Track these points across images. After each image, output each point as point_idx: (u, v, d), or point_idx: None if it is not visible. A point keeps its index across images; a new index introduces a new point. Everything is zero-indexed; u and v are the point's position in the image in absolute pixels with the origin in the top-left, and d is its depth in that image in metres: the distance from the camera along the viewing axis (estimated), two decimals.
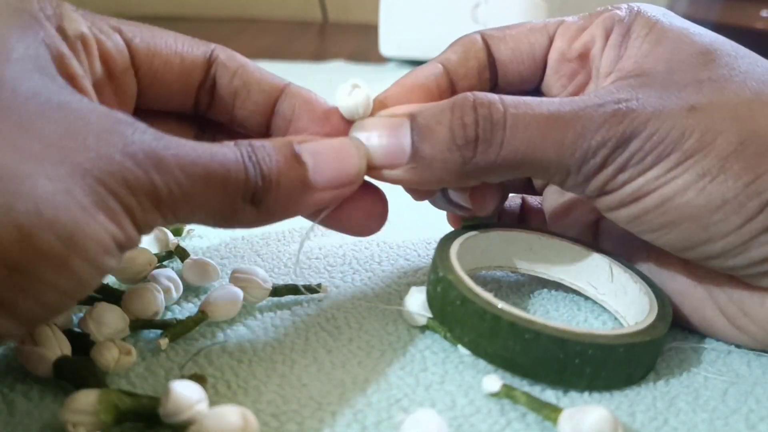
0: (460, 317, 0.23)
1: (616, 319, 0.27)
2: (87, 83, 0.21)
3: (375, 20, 0.82)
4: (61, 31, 0.21)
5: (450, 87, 0.26)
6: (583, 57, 0.26)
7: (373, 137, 0.23)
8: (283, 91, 0.25)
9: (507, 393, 0.21)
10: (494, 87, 0.27)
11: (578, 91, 0.26)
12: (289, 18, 1.32)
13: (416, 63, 0.90)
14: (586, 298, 0.28)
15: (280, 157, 0.21)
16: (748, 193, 0.21)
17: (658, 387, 0.23)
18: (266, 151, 0.21)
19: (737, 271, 0.23)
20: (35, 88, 0.18)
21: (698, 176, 0.22)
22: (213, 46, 0.25)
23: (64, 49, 0.20)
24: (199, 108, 0.25)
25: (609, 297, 0.27)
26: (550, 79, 0.27)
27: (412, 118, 0.23)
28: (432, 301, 0.25)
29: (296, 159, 0.22)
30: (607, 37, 0.25)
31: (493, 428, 0.21)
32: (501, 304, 0.22)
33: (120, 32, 0.23)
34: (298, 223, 0.35)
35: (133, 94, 0.24)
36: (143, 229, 0.19)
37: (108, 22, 0.23)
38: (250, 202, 0.21)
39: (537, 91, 0.28)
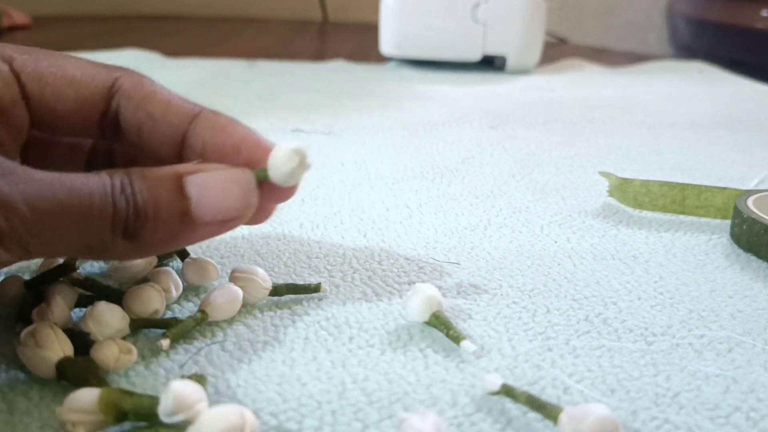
0: (765, 242, 0.32)
1: None
2: None
3: (375, 20, 0.83)
4: None
5: None
6: None
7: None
8: (193, 121, 0.23)
9: (507, 392, 0.21)
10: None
11: None
12: (289, 18, 1.32)
13: (416, 62, 0.90)
14: None
15: (161, 190, 0.20)
16: None
17: (660, 384, 0.23)
18: (146, 182, 0.20)
19: None
20: None
21: None
22: (119, 73, 0.23)
23: None
24: (106, 137, 0.24)
25: None
26: None
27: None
28: (738, 237, 0.34)
29: (179, 192, 0.21)
30: None
31: (494, 427, 0.21)
32: None
33: (11, 63, 0.22)
34: (298, 224, 0.35)
35: (24, 126, 0.23)
36: None
37: (1, 52, 0.22)
38: (122, 235, 0.20)
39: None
